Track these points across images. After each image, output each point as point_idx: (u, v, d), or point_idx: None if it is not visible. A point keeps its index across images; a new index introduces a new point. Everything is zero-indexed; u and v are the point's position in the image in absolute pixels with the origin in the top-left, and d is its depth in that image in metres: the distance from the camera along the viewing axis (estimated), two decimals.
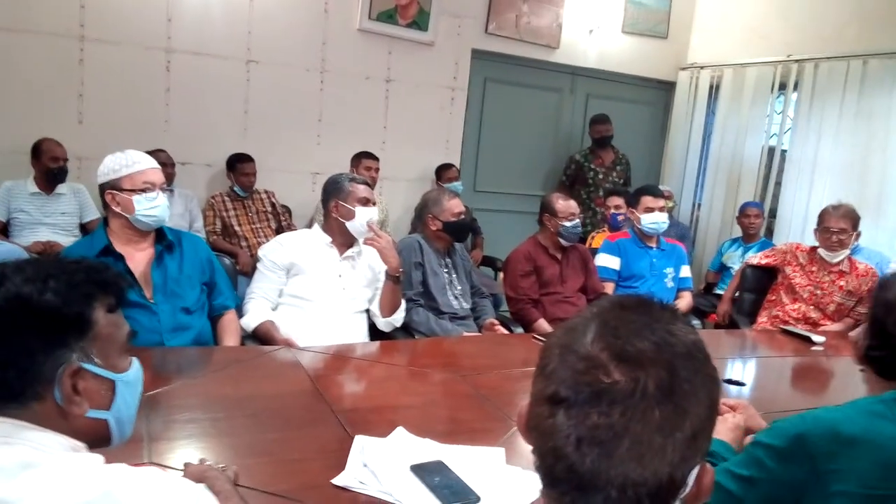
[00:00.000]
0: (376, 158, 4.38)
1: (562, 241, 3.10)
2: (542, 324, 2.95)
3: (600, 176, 5.05)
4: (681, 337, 0.69)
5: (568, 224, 3.06)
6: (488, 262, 4.61)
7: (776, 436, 1.20)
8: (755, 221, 4.51)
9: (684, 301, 3.49)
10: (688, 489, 0.67)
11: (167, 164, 3.77)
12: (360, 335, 2.52)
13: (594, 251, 3.58)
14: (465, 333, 2.71)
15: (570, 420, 0.66)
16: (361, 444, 1.46)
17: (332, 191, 2.52)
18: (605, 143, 5.14)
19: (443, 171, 4.71)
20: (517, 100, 5.30)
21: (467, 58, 4.95)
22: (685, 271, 3.56)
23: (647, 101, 5.69)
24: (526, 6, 5.00)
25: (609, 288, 3.37)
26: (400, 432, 1.55)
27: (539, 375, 0.72)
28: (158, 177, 2.15)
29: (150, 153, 2.38)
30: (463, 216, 2.84)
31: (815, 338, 2.82)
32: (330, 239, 2.54)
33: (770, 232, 4.68)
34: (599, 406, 0.65)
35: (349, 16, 4.52)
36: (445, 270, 2.87)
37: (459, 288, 2.90)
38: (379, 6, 4.56)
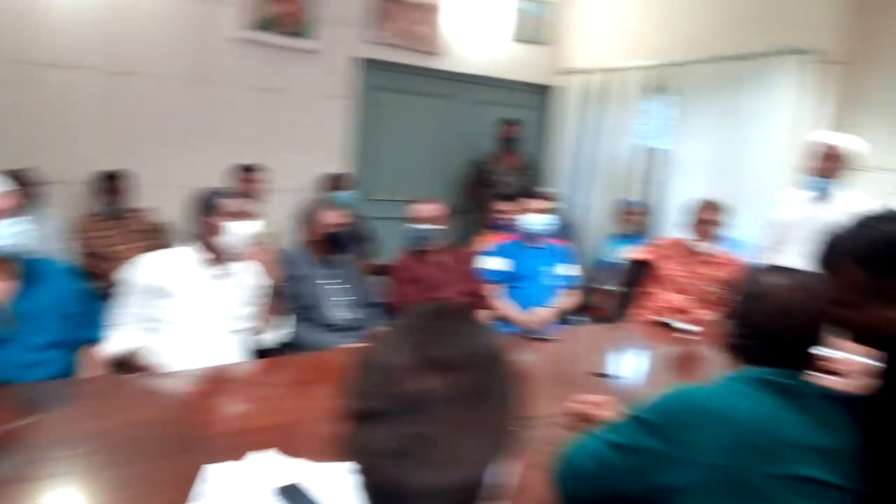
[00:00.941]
0: (259, 170, 4.28)
1: (422, 245, 3.11)
2: None
3: (505, 179, 5.15)
4: (485, 341, 0.70)
5: (420, 227, 3.07)
6: (385, 270, 4.59)
7: (644, 408, 1.25)
8: (636, 218, 4.71)
9: (570, 298, 3.59)
10: (496, 488, 0.68)
11: (30, 184, 3.54)
12: (238, 356, 2.44)
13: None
14: (348, 345, 2.67)
15: (384, 434, 0.66)
16: (212, 473, 1.40)
17: (199, 207, 2.43)
18: (511, 146, 5.25)
19: (334, 181, 4.66)
20: (409, 107, 5.33)
21: (354, 66, 4.93)
22: (571, 269, 3.66)
23: (533, 106, 5.84)
24: (407, 14, 5.03)
25: (495, 290, 3.42)
26: (266, 455, 1.50)
27: (350, 393, 0.71)
28: (4, 202, 2.00)
29: (11, 173, 2.22)
30: (339, 227, 2.81)
31: (689, 327, 2.96)
32: (201, 256, 2.45)
33: (651, 228, 4.88)
34: (412, 415, 0.65)
35: (226, 25, 4.41)
36: (331, 281, 2.83)
37: (349, 298, 2.86)
38: (257, 15, 4.47)
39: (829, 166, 2.92)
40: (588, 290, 4.63)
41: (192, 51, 4.35)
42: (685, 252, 3.58)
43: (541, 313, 3.35)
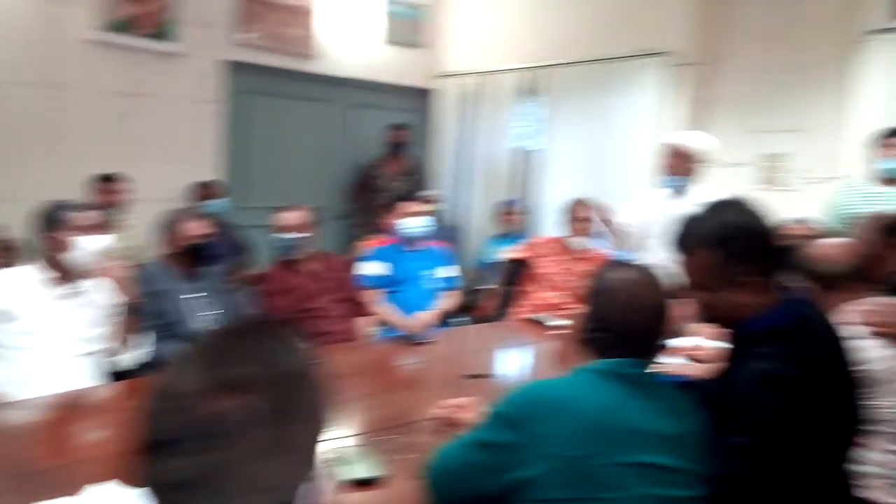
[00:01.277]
0: (121, 180, 4.02)
1: (289, 254, 3.03)
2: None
3: (392, 183, 5.11)
4: (287, 358, 0.66)
5: (286, 236, 3.00)
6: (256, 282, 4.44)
7: (503, 403, 1.26)
8: (514, 218, 4.81)
9: (451, 300, 3.59)
10: None
11: None
12: (91, 380, 2.27)
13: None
14: None
15: (176, 464, 0.60)
16: None
17: (43, 222, 2.24)
18: (398, 150, 5.22)
19: (204, 190, 4.46)
20: (284, 112, 5.20)
21: (223, 69, 4.74)
22: (450, 271, 3.67)
23: (413, 110, 5.84)
24: (277, 16, 4.90)
25: (374, 295, 3.37)
26: (106, 488, 1.38)
27: (141, 421, 0.65)
28: None
29: None
30: (203, 238, 2.67)
31: (562, 322, 3.02)
32: (46, 275, 2.25)
33: (528, 227, 4.99)
34: (205, 442, 0.59)
35: (76, 27, 4.12)
36: (195, 295, 2.68)
37: (216, 312, 2.72)
38: (111, 16, 4.20)
39: (681, 164, 3.08)
40: (471, 291, 4.68)
41: (39, 54, 4.03)
42: (560, 250, 3.68)
43: (422, 317, 3.34)
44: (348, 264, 3.39)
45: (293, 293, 2.97)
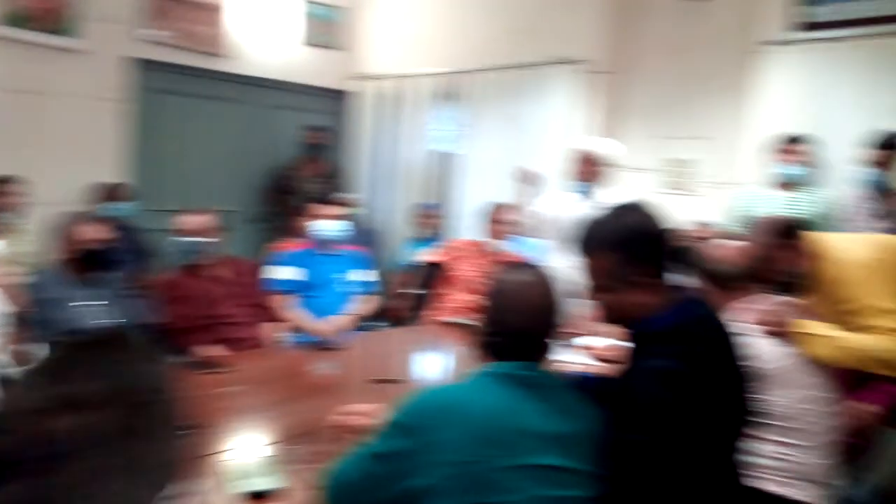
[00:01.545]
0: (14, 182, 3.79)
1: (192, 259, 2.93)
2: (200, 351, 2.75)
3: (309, 186, 5.01)
4: (138, 372, 0.61)
5: (189, 240, 2.90)
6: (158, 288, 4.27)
7: (399, 410, 1.25)
8: (432, 221, 4.81)
9: (367, 304, 3.55)
10: None
11: None
12: None
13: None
14: None
15: (17, 485, 0.55)
16: None
17: None
18: (316, 153, 5.14)
19: (109, 192, 4.25)
20: (197, 112, 5.03)
21: (130, 67, 4.54)
22: (367, 275, 3.63)
23: (328, 111, 5.77)
24: (186, 13, 4.74)
25: (285, 300, 3.30)
26: None
27: None
28: None
29: None
30: (99, 243, 2.55)
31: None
32: None
33: (445, 230, 5.01)
34: (47, 462, 0.55)
35: None
36: (91, 302, 2.55)
37: (114, 320, 2.59)
38: (7, 9, 3.96)
39: (588, 170, 3.15)
40: (388, 295, 4.65)
41: None
42: (478, 253, 3.70)
43: (336, 321, 3.28)
44: (257, 269, 3.30)
45: (195, 300, 2.85)
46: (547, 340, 1.34)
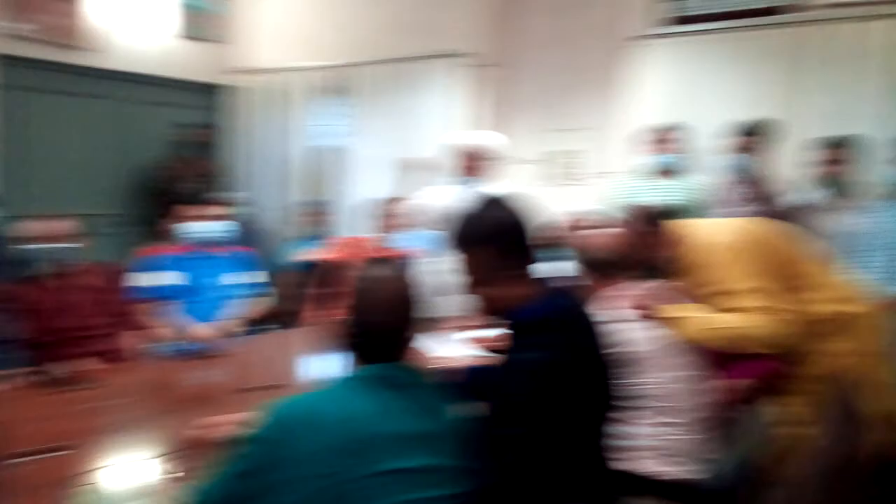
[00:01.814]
0: None
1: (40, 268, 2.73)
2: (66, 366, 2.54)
3: (189, 185, 4.77)
4: None
5: (31, 247, 2.70)
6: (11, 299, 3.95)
7: (257, 426, 1.18)
8: (319, 218, 4.71)
9: (252, 307, 3.42)
10: None
11: None
12: None
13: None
14: None
15: None
16: None
17: None
18: (194, 151, 4.93)
19: None
20: (66, 110, 4.68)
21: None
22: (255, 276, 3.49)
23: (209, 107, 5.52)
24: (49, 5, 4.40)
25: (156, 307, 3.11)
26: None
27: None
28: None
29: None
30: None
31: None
32: None
33: (334, 227, 4.92)
34: None
35: None
36: None
37: None
38: None
39: (472, 163, 3.15)
40: (276, 296, 4.51)
41: None
42: (367, 250, 3.63)
43: (218, 326, 3.13)
44: (123, 275, 3.09)
45: (59, 311, 2.64)
46: (407, 337, 1.30)
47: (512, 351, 1.40)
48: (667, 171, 3.60)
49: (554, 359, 1.31)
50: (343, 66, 4.96)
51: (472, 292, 1.47)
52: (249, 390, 2.19)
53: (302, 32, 5.27)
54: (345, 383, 1.24)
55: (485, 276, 1.42)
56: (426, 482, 1.18)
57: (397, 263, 1.34)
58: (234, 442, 1.28)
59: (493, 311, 1.49)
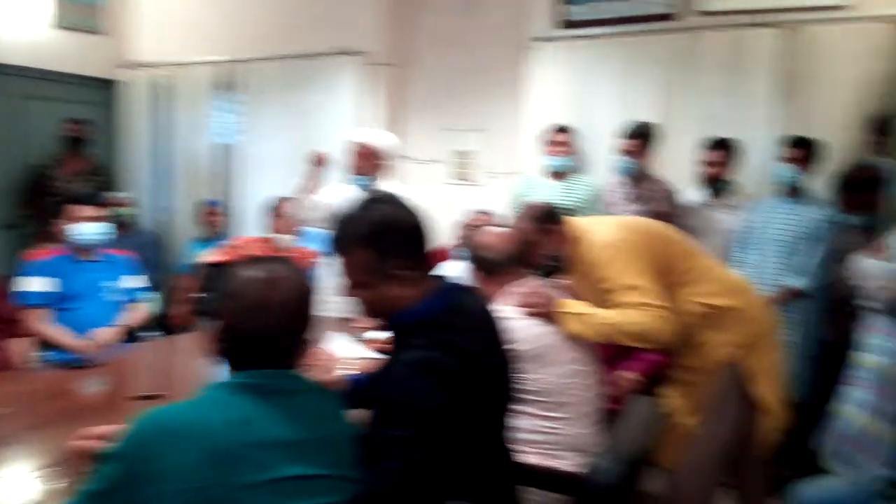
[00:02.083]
0: None
1: None
2: None
3: (70, 185, 4.47)
4: None
5: None
6: None
7: (118, 442, 1.11)
8: (216, 219, 4.55)
9: (137, 313, 3.24)
10: None
11: None
12: None
13: None
14: None
15: None
16: None
17: None
18: (77, 148, 4.65)
19: None
20: None
21: None
22: (137, 281, 3.31)
23: (93, 102, 5.22)
24: None
25: (37, 315, 2.92)
26: None
27: None
28: None
29: None
30: None
31: None
32: None
33: (231, 228, 4.77)
34: None
35: None
36: None
37: None
38: None
39: (366, 163, 3.11)
40: (170, 300, 4.33)
41: None
42: (266, 250, 3.52)
43: (99, 335, 2.95)
44: (6, 281, 2.88)
45: None
46: (294, 342, 1.25)
47: (393, 353, 1.38)
48: (559, 173, 3.68)
49: (434, 358, 1.29)
50: (234, 61, 4.81)
51: (352, 295, 1.43)
52: (133, 399, 2.08)
53: (195, 26, 5.06)
54: (215, 392, 1.17)
55: (364, 279, 1.39)
56: (309, 491, 1.14)
57: (278, 264, 1.28)
58: (98, 458, 1.19)
59: (374, 314, 1.47)
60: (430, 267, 1.46)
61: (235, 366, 1.21)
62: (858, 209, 2.98)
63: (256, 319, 1.19)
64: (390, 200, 1.45)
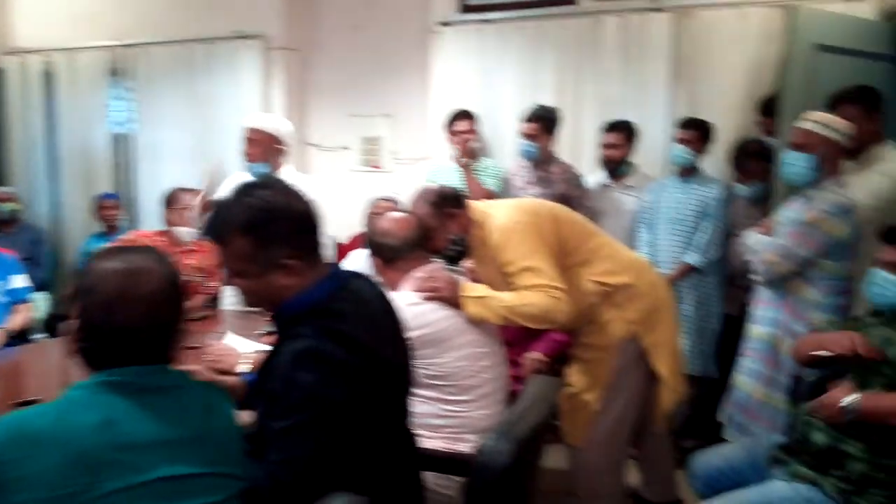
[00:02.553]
0: None
1: None
2: None
3: None
4: None
5: None
6: None
7: None
8: (113, 213, 4.33)
9: (20, 315, 3.04)
10: None
11: None
12: None
13: None
14: None
15: None
16: None
17: None
18: None
19: None
20: None
21: None
22: (18, 281, 3.11)
23: None
24: None
25: None
26: None
27: None
28: None
29: None
30: None
31: None
32: None
33: (128, 222, 4.55)
34: None
35: None
36: None
37: None
38: None
39: (259, 150, 3.00)
40: (60, 300, 4.09)
41: None
42: (166, 243, 3.37)
43: None
44: None
45: None
46: (162, 336, 1.17)
47: (278, 344, 1.33)
48: (465, 156, 3.66)
49: (320, 347, 1.25)
50: (127, 45, 4.56)
51: (232, 284, 1.37)
52: (13, 406, 1.94)
53: (80, 9, 4.76)
54: (77, 393, 1.09)
55: (243, 268, 1.33)
56: (187, 490, 1.08)
57: (139, 254, 1.18)
58: None
59: (258, 304, 1.41)
60: (321, 255, 1.41)
61: (98, 364, 1.13)
62: (750, 178, 3.11)
63: (116, 314, 1.11)
64: (273, 186, 1.38)
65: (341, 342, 1.27)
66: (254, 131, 2.95)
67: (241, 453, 1.24)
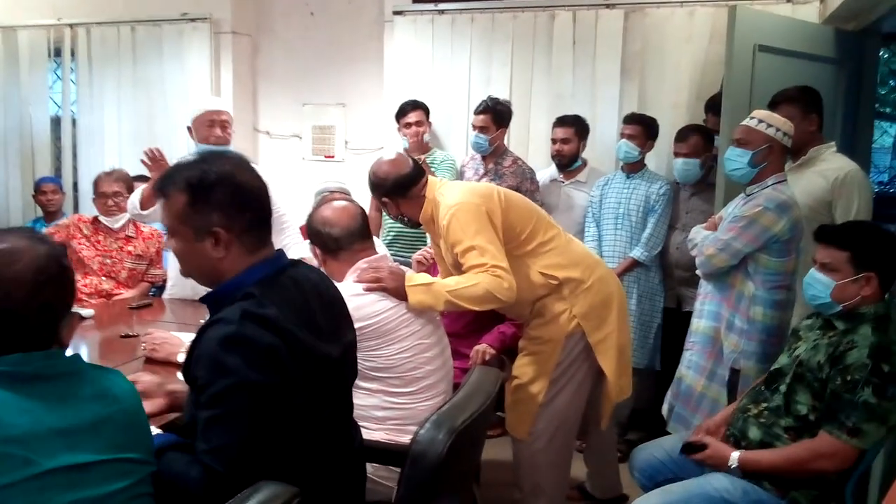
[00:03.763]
0: None
1: None
2: None
3: None
4: None
5: None
6: None
7: None
8: (53, 198, 4.18)
9: None
10: None
11: None
12: None
13: None
14: None
15: None
16: None
17: None
18: None
19: None
20: None
21: None
22: None
23: None
24: None
25: None
26: None
27: None
28: None
29: None
30: None
31: (84, 312, 2.68)
32: None
33: (73, 206, 4.41)
34: None
35: None
36: None
37: None
38: None
39: (207, 134, 2.92)
40: None
41: None
42: (94, 230, 3.30)
43: None
44: None
45: None
46: (48, 321, 1.10)
47: (204, 328, 1.29)
48: (416, 148, 3.63)
49: (245, 333, 1.22)
50: (69, 24, 4.40)
51: (168, 245, 1.38)
52: None
53: None
54: None
55: (176, 226, 1.34)
56: (81, 481, 1.04)
57: (16, 236, 1.11)
58: None
59: (189, 274, 1.41)
60: (264, 242, 1.39)
61: None
62: (691, 154, 3.14)
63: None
64: (233, 159, 1.38)
65: (266, 327, 1.24)
66: (202, 115, 2.88)
67: (148, 436, 1.21)
